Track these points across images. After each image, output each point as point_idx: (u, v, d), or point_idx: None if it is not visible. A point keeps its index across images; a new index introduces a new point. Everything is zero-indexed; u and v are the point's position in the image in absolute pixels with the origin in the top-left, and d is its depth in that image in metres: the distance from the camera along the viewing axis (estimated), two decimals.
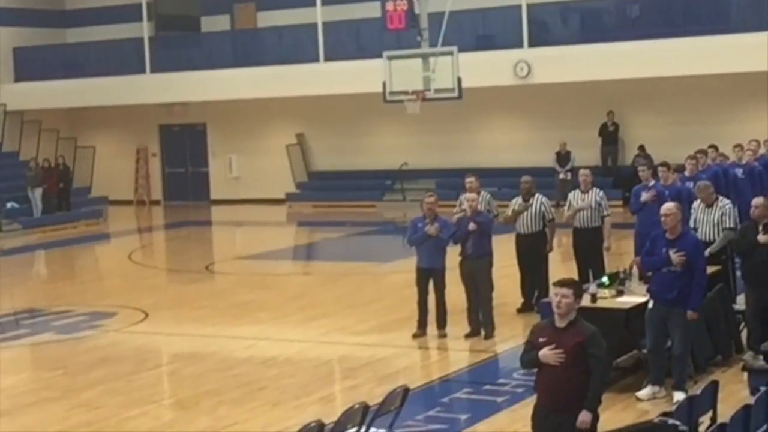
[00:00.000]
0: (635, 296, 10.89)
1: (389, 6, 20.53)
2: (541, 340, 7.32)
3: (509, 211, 14.35)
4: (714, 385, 8.00)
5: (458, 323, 13.22)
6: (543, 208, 14.17)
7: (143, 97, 29.58)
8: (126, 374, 12.29)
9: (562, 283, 7.37)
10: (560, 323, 7.31)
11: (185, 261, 22.53)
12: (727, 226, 12.31)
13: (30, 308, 16.62)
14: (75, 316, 15.78)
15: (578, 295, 7.39)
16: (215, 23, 31.05)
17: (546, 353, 7.23)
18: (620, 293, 11.04)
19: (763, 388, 7.73)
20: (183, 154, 32.52)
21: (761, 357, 10.04)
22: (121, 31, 30.75)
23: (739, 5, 24.63)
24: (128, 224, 29.42)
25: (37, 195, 27.80)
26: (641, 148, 25.82)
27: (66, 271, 22.34)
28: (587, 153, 26.39)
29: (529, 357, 7.41)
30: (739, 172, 17.76)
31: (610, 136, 26.89)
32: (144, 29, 29.49)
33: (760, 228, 11.08)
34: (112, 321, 15.35)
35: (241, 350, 13.22)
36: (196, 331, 14.51)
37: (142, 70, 29.45)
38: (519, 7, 25.04)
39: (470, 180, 14.29)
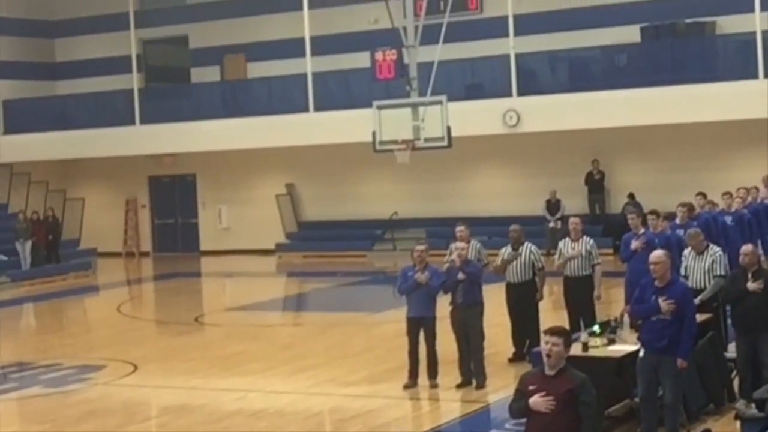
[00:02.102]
0: (627, 345, 10.83)
1: (378, 56, 20.64)
2: (530, 388, 7.28)
3: (498, 261, 14.33)
4: None
5: (449, 373, 13.13)
6: (532, 257, 14.16)
7: (133, 148, 29.63)
8: (115, 428, 12.17)
9: (552, 332, 7.35)
10: (550, 371, 7.28)
11: (174, 313, 22.42)
12: (718, 273, 12.30)
13: (18, 362, 16.46)
14: (63, 369, 15.65)
15: (568, 344, 7.37)
16: (205, 74, 31.18)
17: (536, 401, 7.18)
18: (611, 342, 10.98)
19: None
20: (172, 205, 32.51)
21: (753, 405, 9.98)
22: (110, 83, 30.87)
23: (726, 54, 24.84)
24: (117, 276, 29.32)
25: (26, 247, 27.71)
26: (631, 195, 25.92)
27: (54, 323, 22.20)
28: (577, 201, 26.47)
29: (518, 405, 7.35)
30: (729, 219, 17.78)
31: (596, 185, 26.98)
32: (134, 80, 29.59)
33: (750, 275, 11.08)
34: (100, 374, 15.21)
35: (230, 402, 13.10)
36: (185, 383, 14.39)
37: (132, 122, 29.52)
38: (507, 56, 25.20)
39: (460, 229, 14.28)
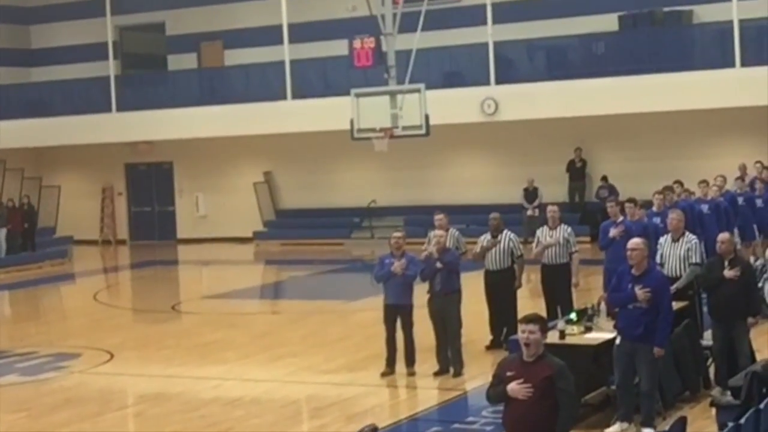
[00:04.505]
0: (603, 332, 10.86)
1: (356, 44, 20.56)
2: (508, 374, 7.28)
3: (478, 248, 14.33)
4: (682, 421, 7.96)
5: (427, 361, 13.14)
6: (511, 245, 14.17)
7: (109, 135, 29.46)
8: (91, 416, 12.11)
9: (528, 320, 7.35)
10: (528, 357, 7.29)
11: (151, 301, 22.34)
12: (694, 261, 12.34)
13: None
14: (39, 357, 15.57)
15: (544, 330, 7.38)
16: (182, 61, 31.03)
17: (514, 387, 7.19)
18: (588, 329, 11.00)
19: (731, 424, 7.70)
20: (149, 192, 32.38)
21: (729, 392, 10.02)
22: (86, 70, 30.67)
23: (703, 43, 24.91)
24: (94, 264, 29.18)
25: (1, 235, 27.50)
26: (604, 178, 26.06)
27: (30, 311, 22.08)
28: (555, 189, 26.48)
29: (496, 391, 7.36)
30: (705, 207, 17.85)
31: (577, 173, 27.03)
32: (110, 68, 29.41)
33: (726, 263, 11.13)
34: (76, 362, 15.15)
35: (207, 391, 13.07)
36: (161, 371, 14.34)
37: (108, 109, 29.33)
38: (486, 44, 25.18)
39: (439, 217, 14.27)
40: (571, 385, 7.26)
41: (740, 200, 19.18)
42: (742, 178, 20.63)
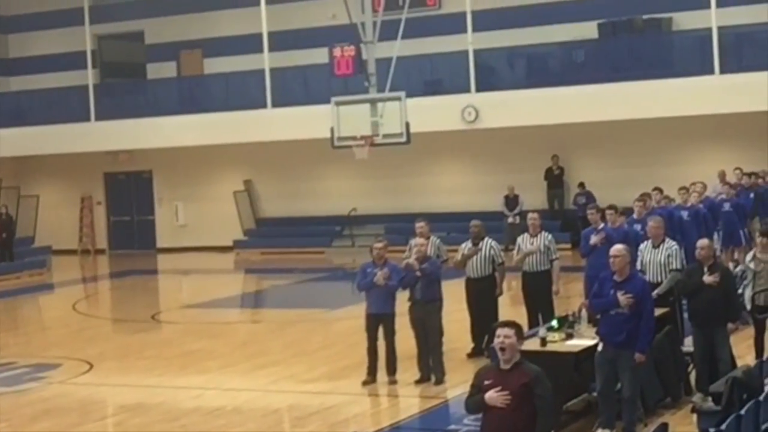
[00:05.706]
0: (585, 339, 10.86)
1: (337, 52, 20.57)
2: (486, 382, 7.28)
3: (459, 256, 14.32)
4: (663, 428, 7.96)
5: (408, 369, 13.12)
6: (492, 252, 14.17)
7: (88, 145, 29.34)
8: (71, 426, 12.04)
9: (503, 324, 7.38)
10: (505, 365, 7.29)
11: (131, 310, 22.23)
12: (674, 267, 12.38)
13: None
14: (18, 368, 15.46)
15: (520, 336, 7.39)
16: (161, 70, 30.95)
17: (492, 396, 7.18)
18: (570, 336, 11.00)
19: (712, 430, 7.71)
20: (128, 202, 32.27)
21: (710, 398, 10.03)
22: (65, 79, 30.54)
23: (682, 50, 25.03)
24: (73, 274, 29.03)
25: None
26: (581, 185, 26.12)
27: (9, 322, 21.89)
28: (535, 196, 26.53)
29: (474, 400, 7.36)
30: (685, 214, 17.90)
31: (555, 180, 27.09)
32: (89, 77, 29.29)
33: (706, 269, 11.17)
34: (56, 372, 15.05)
35: (188, 400, 13.01)
36: (142, 381, 14.27)
37: (87, 118, 29.21)
38: (466, 52, 25.22)
39: (420, 225, 14.25)
40: (549, 391, 7.27)
41: (727, 206, 19.24)
42: (728, 184, 20.70)
